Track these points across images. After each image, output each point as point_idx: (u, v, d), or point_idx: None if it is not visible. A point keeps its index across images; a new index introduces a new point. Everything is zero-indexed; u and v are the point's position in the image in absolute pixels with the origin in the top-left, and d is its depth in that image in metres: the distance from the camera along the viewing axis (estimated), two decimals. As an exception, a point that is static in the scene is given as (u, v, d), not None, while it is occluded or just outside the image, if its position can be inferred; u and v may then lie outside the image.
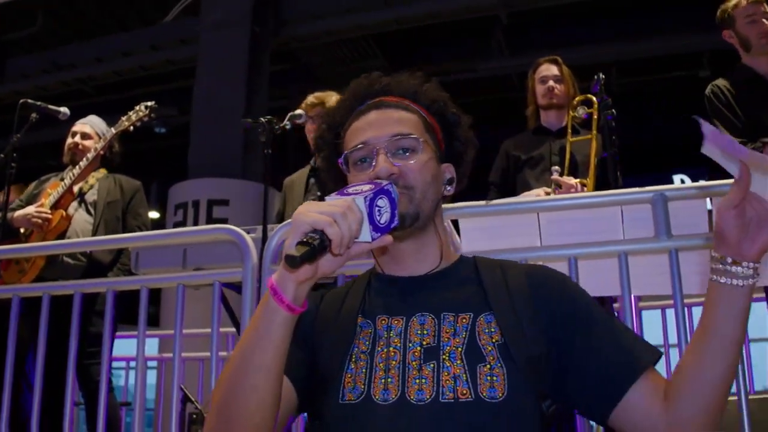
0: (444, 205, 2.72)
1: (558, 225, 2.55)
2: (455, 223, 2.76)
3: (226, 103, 8.25)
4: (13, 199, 4.42)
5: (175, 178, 8.29)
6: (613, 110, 3.21)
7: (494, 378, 1.30)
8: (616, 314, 3.27)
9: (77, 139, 4.27)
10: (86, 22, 10.26)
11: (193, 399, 5.12)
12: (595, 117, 3.61)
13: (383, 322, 1.41)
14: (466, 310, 1.39)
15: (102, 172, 4.27)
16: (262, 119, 3.30)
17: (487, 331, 1.36)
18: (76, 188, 4.11)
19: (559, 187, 3.51)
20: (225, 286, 3.23)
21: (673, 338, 4.35)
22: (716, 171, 1.46)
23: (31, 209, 3.98)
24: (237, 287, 2.86)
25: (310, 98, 3.97)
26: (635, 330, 2.90)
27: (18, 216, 3.97)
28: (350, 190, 1.28)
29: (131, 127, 4.11)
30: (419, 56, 10.12)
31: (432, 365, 1.33)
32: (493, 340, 1.35)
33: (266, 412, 1.27)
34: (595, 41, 9.37)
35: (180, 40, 9.43)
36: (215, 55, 8.51)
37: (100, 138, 4.25)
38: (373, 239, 1.23)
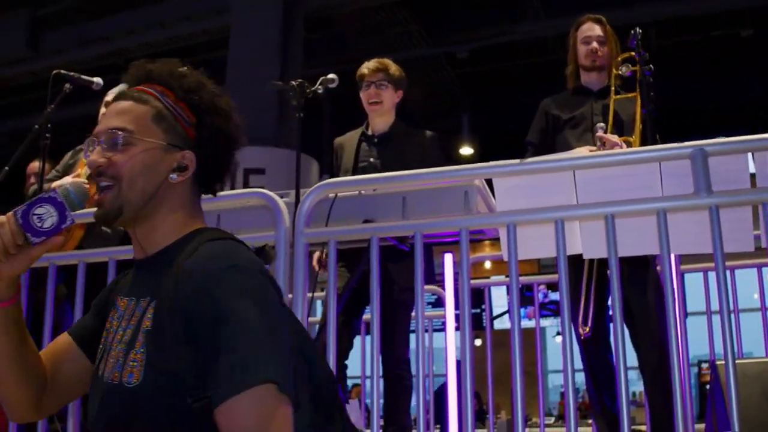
0: (477, 165, 2.69)
1: (594, 183, 2.50)
2: (489, 182, 2.72)
3: (260, 73, 8.23)
4: (49, 171, 4.44)
5: (213, 148, 8.29)
6: (651, 66, 3.14)
7: (134, 363, 1.37)
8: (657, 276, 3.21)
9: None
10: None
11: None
12: (638, 77, 3.51)
13: (122, 303, 1.53)
14: (147, 295, 1.46)
15: None
16: (292, 82, 3.28)
17: (148, 317, 1.41)
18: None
19: (603, 144, 3.43)
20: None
21: (715, 304, 4.27)
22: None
23: (67, 180, 3.99)
24: (271, 253, 2.85)
25: (373, 63, 3.97)
26: (676, 292, 2.88)
27: (55, 187, 3.98)
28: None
29: None
30: (454, 21, 9.99)
31: (123, 347, 1.43)
32: (145, 327, 1.40)
33: (11, 388, 1.55)
34: (632, 1, 9.19)
35: (213, 9, 9.41)
36: (248, 24, 8.49)
37: None
38: (34, 244, 1.48)
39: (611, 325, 3.05)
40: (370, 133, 3.96)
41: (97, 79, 4.22)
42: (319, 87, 3.54)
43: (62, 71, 4.07)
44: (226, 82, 8.67)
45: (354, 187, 2.88)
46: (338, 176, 3.88)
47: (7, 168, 3.81)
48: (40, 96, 11.45)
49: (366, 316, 4.09)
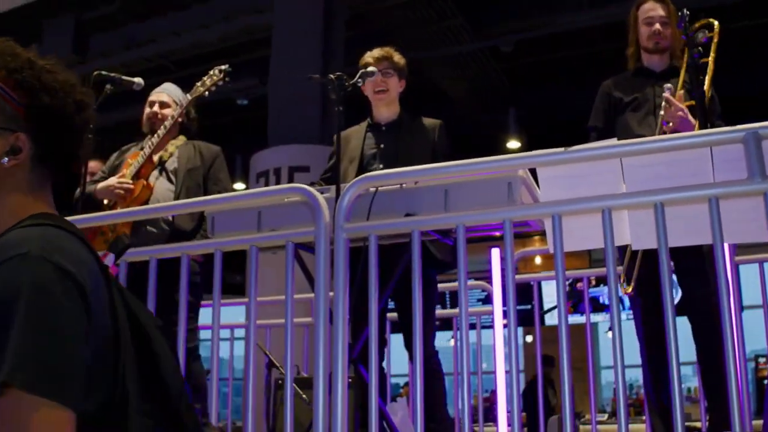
0: (520, 154, 2.62)
1: (642, 170, 2.41)
2: (533, 172, 2.65)
3: (302, 71, 8.20)
4: (97, 171, 4.48)
5: (259, 149, 8.35)
6: (700, 48, 3.03)
7: None
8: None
9: (156, 108, 4.26)
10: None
11: (278, 365, 5.14)
12: (715, 41, 3.37)
13: None
14: None
15: (181, 139, 4.27)
16: (331, 76, 3.24)
17: None
18: (155, 157, 4.12)
19: (669, 105, 3.32)
20: (302, 249, 3.19)
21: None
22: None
23: (113, 180, 4.02)
24: (314, 249, 2.80)
25: (377, 51, 3.90)
26: (731, 284, 2.76)
27: (100, 188, 4.02)
28: None
29: (206, 92, 4.11)
30: (497, 14, 9.88)
31: None
32: None
33: None
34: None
35: (255, 9, 9.42)
36: (289, 22, 8.47)
37: (177, 105, 4.24)
38: None
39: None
40: (376, 122, 3.94)
41: (138, 80, 4.24)
42: (359, 80, 3.50)
43: (103, 72, 4.09)
44: (269, 81, 8.68)
45: (395, 180, 2.81)
46: (343, 167, 3.85)
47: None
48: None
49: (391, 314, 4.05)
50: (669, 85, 3.40)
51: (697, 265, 3.18)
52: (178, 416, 1.42)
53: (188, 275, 2.95)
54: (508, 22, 9.79)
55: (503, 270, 4.94)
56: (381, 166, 3.65)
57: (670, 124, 3.33)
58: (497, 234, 3.03)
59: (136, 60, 10.44)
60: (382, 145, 3.83)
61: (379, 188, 2.92)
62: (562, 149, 2.43)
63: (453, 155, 3.54)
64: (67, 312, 1.22)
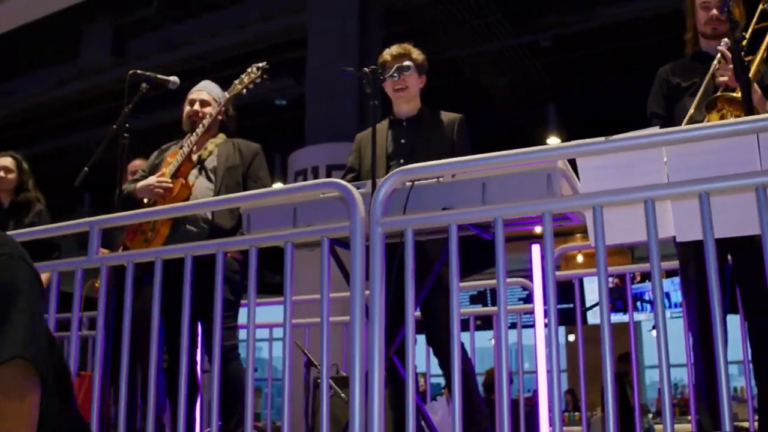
0: (560, 144, 2.55)
1: (686, 158, 2.33)
2: (573, 164, 2.58)
3: (339, 69, 8.19)
4: (138, 169, 4.50)
5: (297, 148, 8.35)
6: (744, 33, 2.93)
7: None
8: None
9: (196, 107, 4.24)
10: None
11: (317, 363, 5.12)
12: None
13: None
14: None
15: (221, 137, 4.26)
16: (366, 69, 3.20)
17: None
18: (194, 156, 4.12)
19: (724, 59, 3.23)
20: (338, 245, 3.15)
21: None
22: None
23: (152, 179, 4.03)
24: (349, 245, 2.76)
25: (395, 48, 3.84)
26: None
27: (140, 187, 4.03)
28: None
29: (244, 90, 4.09)
30: (536, 9, 9.77)
31: None
32: None
33: None
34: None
35: (291, 9, 9.43)
36: (325, 21, 8.47)
37: (217, 103, 4.22)
38: None
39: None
40: (397, 118, 3.89)
41: (174, 78, 4.24)
42: (394, 74, 3.46)
43: (138, 71, 4.09)
44: (306, 80, 8.68)
45: (432, 173, 2.74)
46: (361, 171, 3.85)
47: (86, 169, 3.86)
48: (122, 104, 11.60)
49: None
50: (726, 39, 3.29)
51: (754, 258, 3.08)
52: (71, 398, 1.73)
53: (224, 272, 2.91)
54: (546, 17, 9.68)
55: (544, 267, 4.88)
56: (402, 161, 3.60)
57: (723, 78, 3.26)
58: (536, 230, 2.97)
59: (173, 62, 10.51)
60: (402, 141, 3.80)
61: (416, 182, 2.87)
62: (602, 138, 2.36)
63: (473, 149, 3.50)
64: (40, 303, 1.57)
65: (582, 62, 11.06)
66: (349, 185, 2.67)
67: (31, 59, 11.78)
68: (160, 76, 4.17)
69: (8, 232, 3.54)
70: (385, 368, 2.50)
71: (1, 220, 5.09)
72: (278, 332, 6.10)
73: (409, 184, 2.88)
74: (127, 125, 3.92)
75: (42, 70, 11.83)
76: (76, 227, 3.36)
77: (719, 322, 2.13)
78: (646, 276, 10.74)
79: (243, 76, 4.10)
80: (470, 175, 2.79)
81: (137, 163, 5.35)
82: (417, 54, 3.83)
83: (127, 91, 4.02)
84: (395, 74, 3.48)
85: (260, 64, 4.06)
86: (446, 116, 3.83)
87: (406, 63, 3.58)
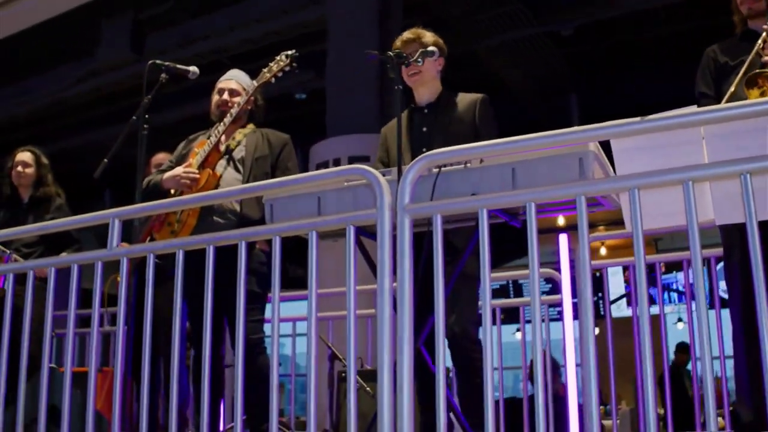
0: (593, 126, 2.44)
1: (726, 139, 2.24)
2: (603, 145, 2.48)
3: (359, 63, 8.12)
4: (164, 162, 4.45)
5: (318, 141, 8.29)
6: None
7: None
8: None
9: (225, 96, 4.17)
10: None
11: (341, 357, 5.05)
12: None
13: None
14: None
15: (250, 127, 4.19)
16: (389, 53, 3.12)
17: None
18: (222, 146, 4.06)
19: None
20: (364, 235, 3.07)
21: None
22: None
23: (179, 170, 3.98)
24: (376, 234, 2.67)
25: (406, 34, 3.74)
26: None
27: (167, 177, 3.98)
28: None
29: (273, 79, 4.02)
30: (558, -2, 9.65)
31: None
32: None
33: None
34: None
35: (310, 0, 9.35)
36: (345, 12, 8.39)
37: (246, 93, 4.16)
38: None
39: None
40: (417, 105, 3.76)
41: (193, 68, 4.19)
42: (419, 59, 3.37)
43: (157, 61, 4.04)
44: (326, 74, 8.61)
45: (459, 157, 2.65)
46: (389, 164, 3.70)
47: (105, 161, 3.81)
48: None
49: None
50: None
51: None
52: None
53: (248, 263, 2.84)
54: (567, 5, 9.54)
55: (571, 257, 4.77)
56: (424, 150, 3.45)
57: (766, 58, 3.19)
58: (559, 221, 2.87)
59: (192, 57, 10.40)
60: (424, 129, 3.65)
61: (442, 169, 2.78)
62: (638, 119, 2.26)
63: (499, 131, 3.39)
64: None
65: (604, 52, 10.90)
66: (374, 171, 2.59)
67: (49, 57, 11.78)
68: (179, 65, 4.11)
69: (27, 226, 3.54)
70: (414, 360, 2.42)
71: (20, 215, 5.05)
72: (301, 327, 6.06)
73: (435, 170, 2.79)
74: (146, 116, 3.87)
75: (61, 67, 11.82)
76: (95, 219, 3.30)
77: (766, 309, 2.03)
78: (671, 267, 10.59)
79: (272, 64, 4.03)
80: (499, 160, 2.70)
81: (161, 157, 5.34)
82: (428, 37, 3.68)
83: (146, 82, 3.97)
84: (420, 59, 3.39)
85: (289, 52, 4.00)
86: (465, 98, 3.69)
87: (431, 48, 3.47)
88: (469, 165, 2.77)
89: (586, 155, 2.55)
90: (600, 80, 11.61)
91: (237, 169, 4.01)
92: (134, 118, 3.87)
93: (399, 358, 2.37)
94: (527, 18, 9.68)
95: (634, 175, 2.23)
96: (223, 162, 4.04)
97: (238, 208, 3.89)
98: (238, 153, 4.06)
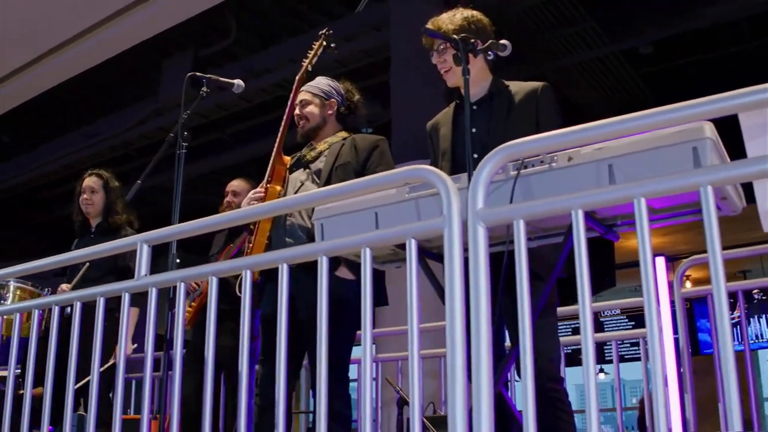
0: (710, 98, 1.89)
1: None
2: (717, 123, 1.95)
3: (425, 89, 7.72)
4: (239, 189, 4.51)
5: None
6: None
7: None
8: None
9: (297, 110, 3.87)
10: (275, 27, 10.08)
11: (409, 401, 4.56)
12: None
13: None
14: None
15: (339, 135, 3.82)
16: (455, 36, 2.69)
17: None
18: (288, 157, 3.78)
19: None
20: (429, 256, 2.62)
21: None
22: None
23: (248, 195, 3.71)
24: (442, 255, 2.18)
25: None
26: None
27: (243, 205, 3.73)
28: None
29: (310, 66, 3.81)
30: (631, 12, 9.06)
31: None
32: None
33: None
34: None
35: (372, 26, 9.00)
36: (408, 38, 8.02)
37: (321, 98, 3.83)
38: None
39: None
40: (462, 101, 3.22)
41: (238, 81, 3.89)
42: (489, 53, 2.91)
43: (198, 73, 3.71)
44: (390, 94, 8.28)
45: (545, 146, 2.11)
46: (440, 156, 3.20)
47: (139, 182, 3.47)
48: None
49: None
50: None
51: None
52: None
53: (289, 288, 2.37)
54: (645, 20, 8.97)
55: (670, 283, 4.21)
56: (476, 156, 2.82)
57: None
58: (672, 222, 2.35)
59: (254, 91, 10.22)
60: (474, 129, 3.04)
61: (521, 171, 2.29)
62: (773, 85, 1.74)
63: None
64: None
65: (683, 70, 10.25)
66: (439, 171, 2.11)
67: (111, 99, 11.69)
68: (222, 78, 3.78)
69: (46, 260, 3.18)
70: (494, 405, 1.92)
71: (88, 245, 4.74)
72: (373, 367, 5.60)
73: (513, 173, 2.31)
74: (185, 134, 3.52)
75: (124, 109, 11.71)
76: (123, 246, 2.91)
77: None
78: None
79: (309, 52, 3.70)
80: (592, 156, 2.20)
81: (236, 184, 5.18)
82: (448, 23, 3.11)
83: (185, 97, 3.66)
84: (489, 53, 2.92)
85: (322, 31, 3.68)
86: (523, 88, 3.13)
87: (502, 42, 2.96)
88: (554, 165, 2.27)
89: (702, 144, 2.04)
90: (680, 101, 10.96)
91: (314, 181, 3.63)
92: (171, 135, 3.52)
93: (475, 403, 1.87)
94: (599, 36, 9.12)
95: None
96: (303, 175, 3.70)
97: (310, 225, 3.47)
98: (318, 164, 3.70)
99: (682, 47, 9.64)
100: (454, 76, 3.17)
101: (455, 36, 2.79)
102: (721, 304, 1.62)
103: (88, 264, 4.51)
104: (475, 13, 3.22)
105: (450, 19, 3.15)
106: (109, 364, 4.16)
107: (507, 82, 3.21)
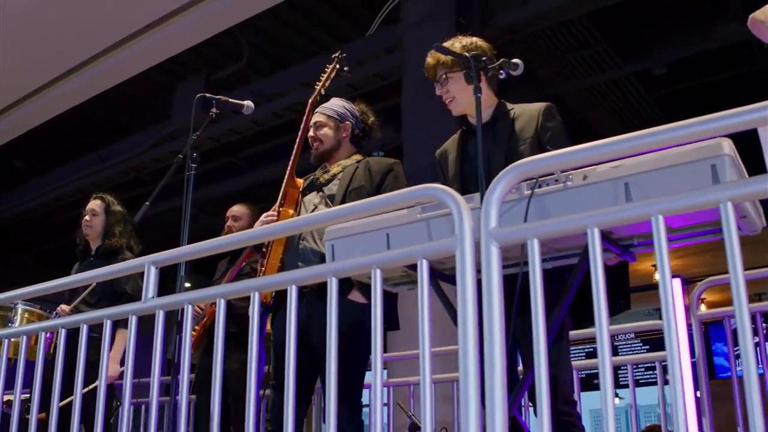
0: (728, 112, 1.84)
1: None
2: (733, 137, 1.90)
3: (437, 112, 7.68)
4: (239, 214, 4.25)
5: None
6: None
7: None
8: None
9: (311, 132, 3.84)
10: (288, 51, 10.08)
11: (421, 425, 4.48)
12: None
13: None
14: None
15: (354, 158, 3.79)
16: (466, 54, 2.66)
17: None
18: (300, 180, 3.77)
19: None
20: (441, 277, 2.57)
21: None
22: None
23: (260, 218, 3.68)
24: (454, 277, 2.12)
25: (427, 61, 3.39)
26: None
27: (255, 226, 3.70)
28: None
29: (323, 90, 3.78)
30: (644, 34, 9.00)
31: None
32: None
33: None
34: None
35: (384, 49, 8.98)
36: (420, 51, 8.00)
37: (336, 120, 3.80)
38: None
39: None
40: (469, 126, 3.22)
41: (248, 103, 3.86)
42: (501, 72, 2.86)
43: (207, 95, 3.70)
44: (402, 114, 8.24)
45: (556, 165, 2.06)
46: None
47: (147, 203, 3.43)
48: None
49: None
50: None
51: None
52: None
53: (298, 310, 2.33)
54: (658, 42, 8.92)
55: (687, 307, 4.14)
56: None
57: None
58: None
59: (266, 115, 10.19)
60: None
61: (535, 191, 2.24)
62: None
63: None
64: None
65: (698, 91, 10.17)
66: (450, 190, 2.06)
67: (125, 123, 11.70)
68: (232, 99, 3.75)
69: (39, 285, 3.15)
70: (508, 431, 1.86)
71: (87, 269, 4.66)
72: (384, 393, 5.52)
73: (527, 192, 2.26)
74: (194, 155, 3.49)
75: (137, 132, 11.72)
76: (129, 268, 2.86)
77: None
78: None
79: (321, 75, 3.67)
80: (608, 174, 2.15)
81: (236, 209, 5.22)
82: (446, 57, 3.17)
83: (194, 118, 3.64)
84: (501, 72, 2.88)
85: (336, 54, 3.65)
86: (526, 110, 3.13)
87: (514, 61, 2.92)
88: (569, 183, 2.22)
89: (720, 161, 1.98)
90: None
91: (329, 205, 3.59)
92: (179, 156, 3.49)
93: (489, 429, 1.81)
94: (612, 59, 9.07)
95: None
96: (316, 198, 3.66)
97: (322, 249, 3.43)
98: (332, 188, 3.66)
99: (696, 68, 9.56)
100: (458, 105, 3.19)
101: (467, 54, 2.75)
102: (743, 324, 1.56)
103: (94, 285, 4.47)
104: (474, 39, 3.21)
105: (449, 47, 3.14)
106: (91, 387, 4.08)
107: (511, 105, 3.20)
